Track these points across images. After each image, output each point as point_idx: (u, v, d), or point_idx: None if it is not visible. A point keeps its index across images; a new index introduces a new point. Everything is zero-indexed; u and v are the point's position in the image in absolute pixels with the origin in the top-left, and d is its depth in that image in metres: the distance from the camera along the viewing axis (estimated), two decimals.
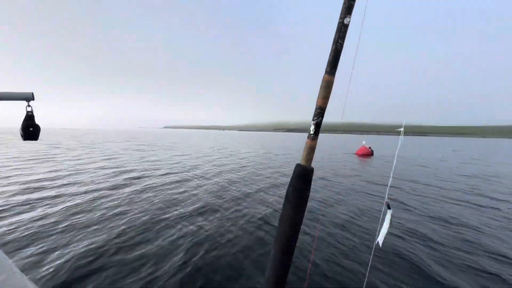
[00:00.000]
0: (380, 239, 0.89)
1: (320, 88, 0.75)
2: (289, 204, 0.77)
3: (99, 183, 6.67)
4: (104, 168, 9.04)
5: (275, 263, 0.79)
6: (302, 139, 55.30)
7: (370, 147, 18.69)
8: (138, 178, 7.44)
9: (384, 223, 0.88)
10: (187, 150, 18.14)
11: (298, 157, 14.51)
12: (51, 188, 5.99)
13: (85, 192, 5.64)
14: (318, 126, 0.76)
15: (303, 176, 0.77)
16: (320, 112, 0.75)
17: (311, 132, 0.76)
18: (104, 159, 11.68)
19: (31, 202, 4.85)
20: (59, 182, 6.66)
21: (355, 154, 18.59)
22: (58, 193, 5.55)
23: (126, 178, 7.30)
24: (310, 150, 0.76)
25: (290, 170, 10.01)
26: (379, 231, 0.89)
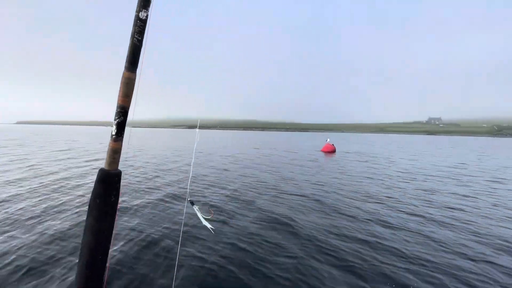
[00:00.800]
0: (208, 226, 1.23)
1: (120, 86, 0.70)
2: (92, 214, 0.70)
3: None
4: None
5: (81, 279, 0.70)
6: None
7: (333, 144, 20.13)
8: None
9: (199, 216, 1.16)
10: None
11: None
12: None
13: None
14: (120, 126, 0.70)
15: (106, 182, 0.70)
16: (121, 111, 0.69)
17: (113, 133, 0.70)
18: None
19: None
20: None
21: (321, 151, 19.92)
22: None
23: None
24: (113, 153, 0.70)
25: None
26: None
